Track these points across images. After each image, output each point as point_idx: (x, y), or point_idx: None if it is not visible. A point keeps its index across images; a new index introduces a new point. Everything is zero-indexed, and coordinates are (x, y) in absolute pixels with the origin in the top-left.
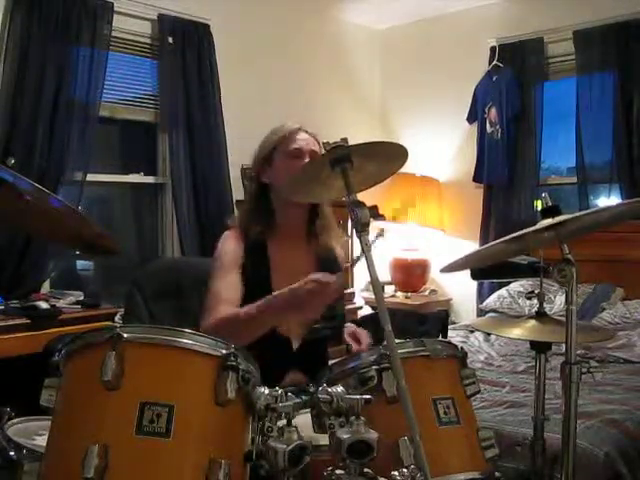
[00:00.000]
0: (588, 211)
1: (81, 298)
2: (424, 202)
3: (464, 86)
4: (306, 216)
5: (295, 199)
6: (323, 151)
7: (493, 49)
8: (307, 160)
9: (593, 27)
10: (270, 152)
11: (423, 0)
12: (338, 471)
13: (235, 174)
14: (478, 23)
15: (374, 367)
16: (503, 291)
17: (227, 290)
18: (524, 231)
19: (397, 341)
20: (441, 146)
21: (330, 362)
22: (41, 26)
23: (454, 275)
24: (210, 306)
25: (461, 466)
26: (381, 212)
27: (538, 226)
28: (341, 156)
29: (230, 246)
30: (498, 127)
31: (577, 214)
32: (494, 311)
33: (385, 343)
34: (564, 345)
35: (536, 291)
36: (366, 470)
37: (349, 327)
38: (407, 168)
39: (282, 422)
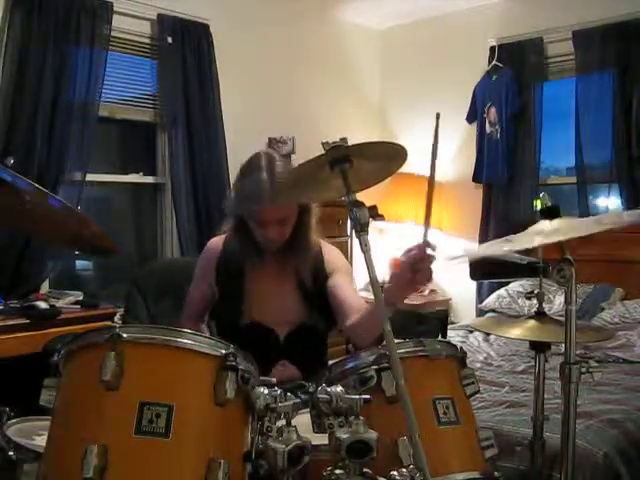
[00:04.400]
0: (588, 217)
1: (80, 298)
2: (423, 202)
3: (464, 86)
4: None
5: (294, 200)
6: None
7: (493, 49)
8: (274, 227)
9: (593, 27)
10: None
11: (423, 0)
12: (337, 471)
13: (234, 174)
14: (478, 23)
15: (373, 367)
16: (502, 291)
17: (194, 299)
18: (523, 232)
19: (396, 341)
20: (440, 146)
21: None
22: (41, 26)
23: (453, 275)
24: (185, 307)
25: (460, 466)
26: (381, 212)
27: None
28: (340, 156)
29: (204, 260)
30: (497, 127)
31: (575, 218)
32: (493, 311)
33: (384, 343)
34: (563, 345)
35: (535, 291)
36: (365, 470)
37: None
38: (406, 168)
39: (281, 422)
